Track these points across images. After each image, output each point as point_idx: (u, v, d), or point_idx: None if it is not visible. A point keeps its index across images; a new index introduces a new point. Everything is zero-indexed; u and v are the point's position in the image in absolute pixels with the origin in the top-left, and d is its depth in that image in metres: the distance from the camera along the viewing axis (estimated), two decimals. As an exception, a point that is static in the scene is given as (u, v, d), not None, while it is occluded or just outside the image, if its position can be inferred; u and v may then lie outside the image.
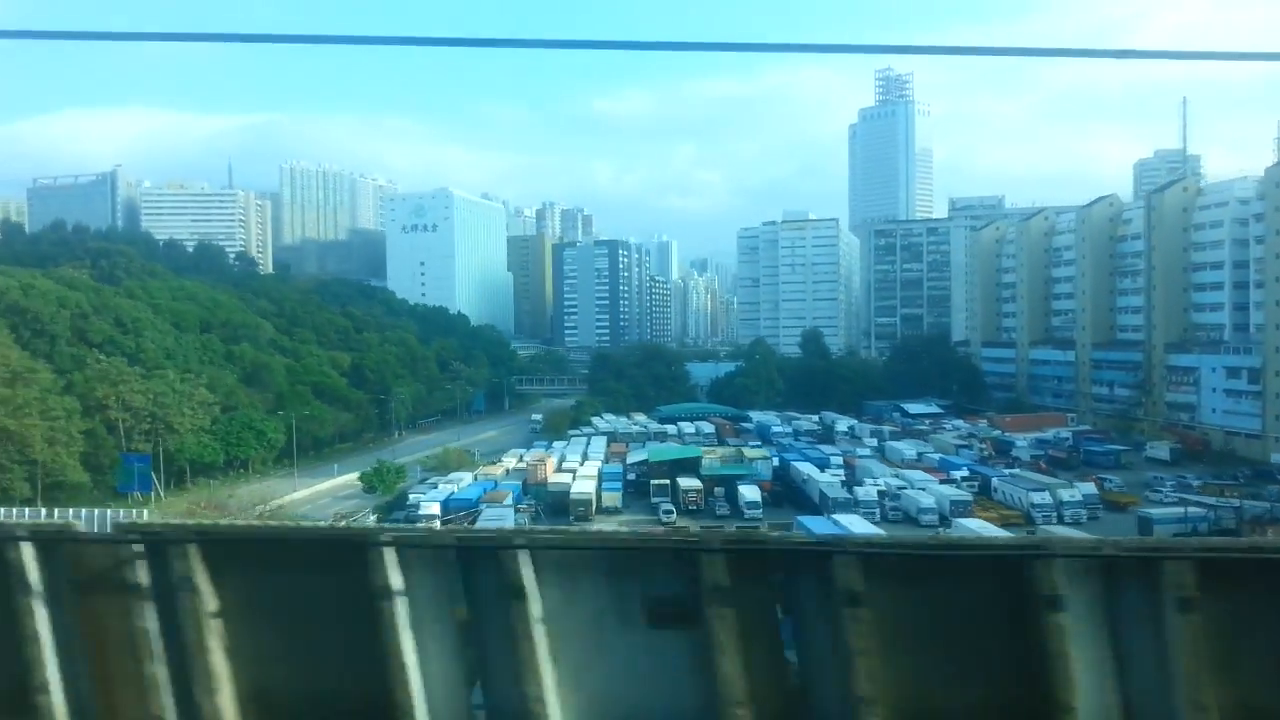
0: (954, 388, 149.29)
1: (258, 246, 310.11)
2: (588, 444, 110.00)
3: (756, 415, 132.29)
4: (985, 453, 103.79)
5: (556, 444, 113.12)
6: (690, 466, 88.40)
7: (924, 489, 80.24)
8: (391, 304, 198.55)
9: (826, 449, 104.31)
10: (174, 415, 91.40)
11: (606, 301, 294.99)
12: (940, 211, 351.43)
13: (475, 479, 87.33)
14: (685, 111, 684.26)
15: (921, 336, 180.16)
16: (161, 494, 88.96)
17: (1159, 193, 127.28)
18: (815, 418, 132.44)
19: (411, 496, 79.84)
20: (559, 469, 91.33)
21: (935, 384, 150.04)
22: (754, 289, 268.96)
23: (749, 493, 79.34)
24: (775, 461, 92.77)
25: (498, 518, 64.77)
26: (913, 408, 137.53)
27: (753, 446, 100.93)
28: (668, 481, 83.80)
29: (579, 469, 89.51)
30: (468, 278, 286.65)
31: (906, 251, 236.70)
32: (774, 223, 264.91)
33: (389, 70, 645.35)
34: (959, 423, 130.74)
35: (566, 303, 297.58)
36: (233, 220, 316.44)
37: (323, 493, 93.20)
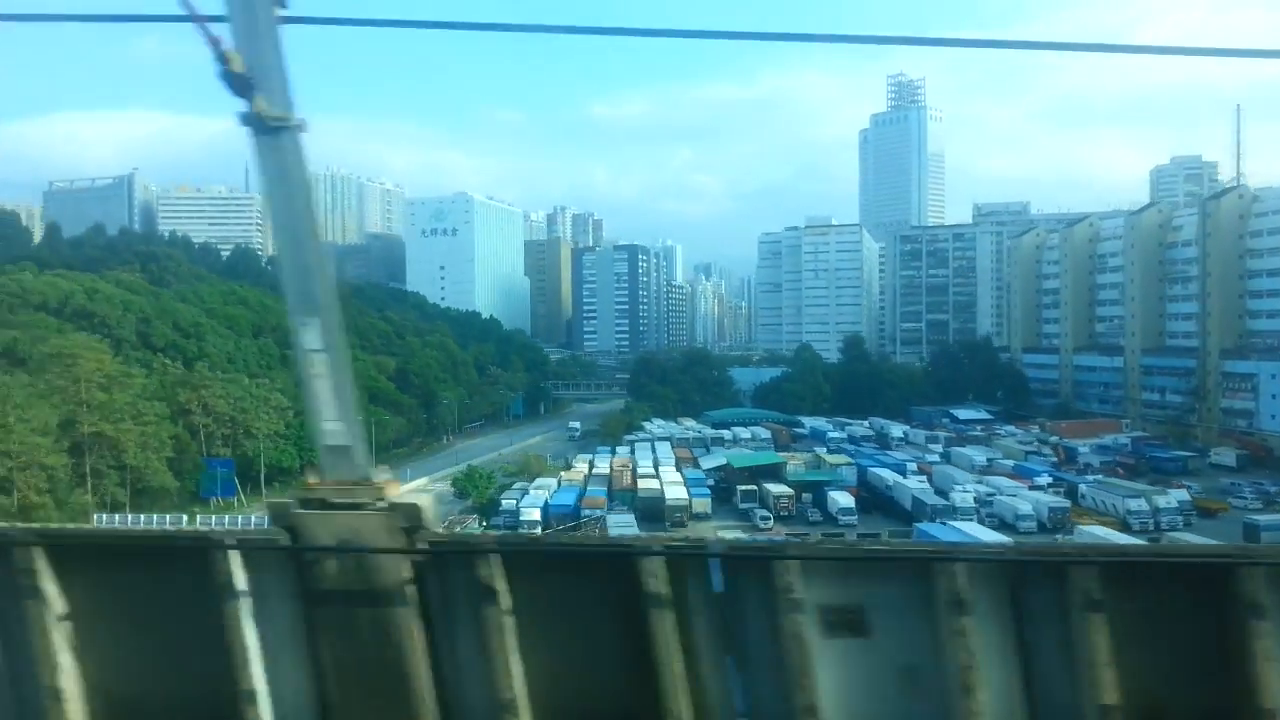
0: (999, 393, 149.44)
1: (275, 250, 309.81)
2: (653, 449, 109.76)
3: (808, 420, 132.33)
4: (1058, 459, 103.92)
5: (620, 449, 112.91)
6: (772, 472, 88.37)
7: (1014, 495, 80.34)
8: (424, 308, 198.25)
9: (898, 455, 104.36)
10: (252, 420, 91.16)
11: (626, 306, 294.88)
12: (953, 216, 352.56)
13: (559, 484, 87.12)
14: (683, 116, 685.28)
15: (964, 342, 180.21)
16: (244, 499, 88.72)
17: (1214, 199, 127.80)
18: (865, 423, 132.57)
19: (505, 502, 79.48)
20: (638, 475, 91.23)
21: (979, 390, 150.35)
22: (775, 294, 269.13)
23: (841, 499, 79.37)
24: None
25: (623, 524, 64.48)
26: (962, 413, 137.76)
27: (832, 452, 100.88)
28: (754, 487, 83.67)
29: (662, 474, 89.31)
30: (487, 282, 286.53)
31: (932, 257, 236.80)
32: (796, 228, 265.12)
33: (388, 74, 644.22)
34: (1010, 428, 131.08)
35: (586, 307, 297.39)
36: (249, 224, 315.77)
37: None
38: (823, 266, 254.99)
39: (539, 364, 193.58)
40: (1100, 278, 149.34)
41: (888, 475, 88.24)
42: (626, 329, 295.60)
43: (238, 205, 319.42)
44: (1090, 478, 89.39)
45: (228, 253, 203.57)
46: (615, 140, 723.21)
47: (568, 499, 78.60)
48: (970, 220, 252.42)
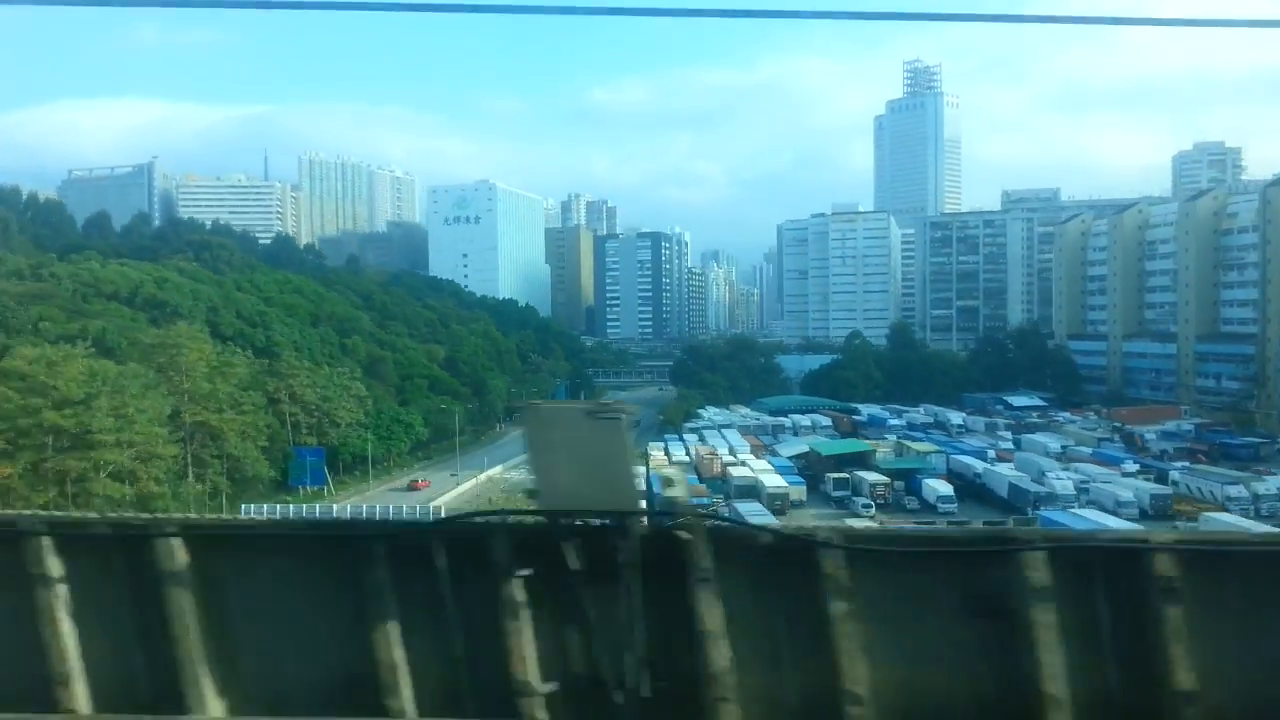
0: (1048, 380, 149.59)
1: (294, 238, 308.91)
2: (723, 437, 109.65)
3: (864, 408, 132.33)
4: (1134, 446, 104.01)
5: (687, 436, 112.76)
6: (858, 460, 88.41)
7: (1108, 482, 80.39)
8: (461, 296, 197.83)
9: (973, 442, 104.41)
10: (335, 408, 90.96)
11: (650, 293, 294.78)
12: (969, 202, 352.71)
13: (648, 473, 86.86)
14: (684, 102, 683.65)
15: (1011, 329, 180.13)
16: (332, 488, 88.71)
17: (1275, 186, 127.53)
18: (920, 410, 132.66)
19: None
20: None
21: (1028, 376, 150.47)
22: (801, 281, 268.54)
23: (940, 487, 79.36)
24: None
25: (756, 513, 64.35)
26: (1015, 400, 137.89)
27: (919, 440, 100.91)
28: (846, 475, 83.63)
29: (750, 462, 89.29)
30: (510, 269, 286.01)
31: (962, 243, 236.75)
32: (823, 214, 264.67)
33: (386, 60, 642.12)
34: (1065, 415, 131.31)
35: (609, 294, 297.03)
36: (270, 212, 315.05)
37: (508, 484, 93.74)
38: (850, 253, 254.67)
39: (576, 351, 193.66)
40: (1150, 264, 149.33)
41: (974, 463, 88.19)
42: (650, 316, 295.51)
43: (257, 193, 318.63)
44: (1179, 464, 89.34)
45: (268, 241, 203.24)
46: (615, 127, 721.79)
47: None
48: (999, 207, 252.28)
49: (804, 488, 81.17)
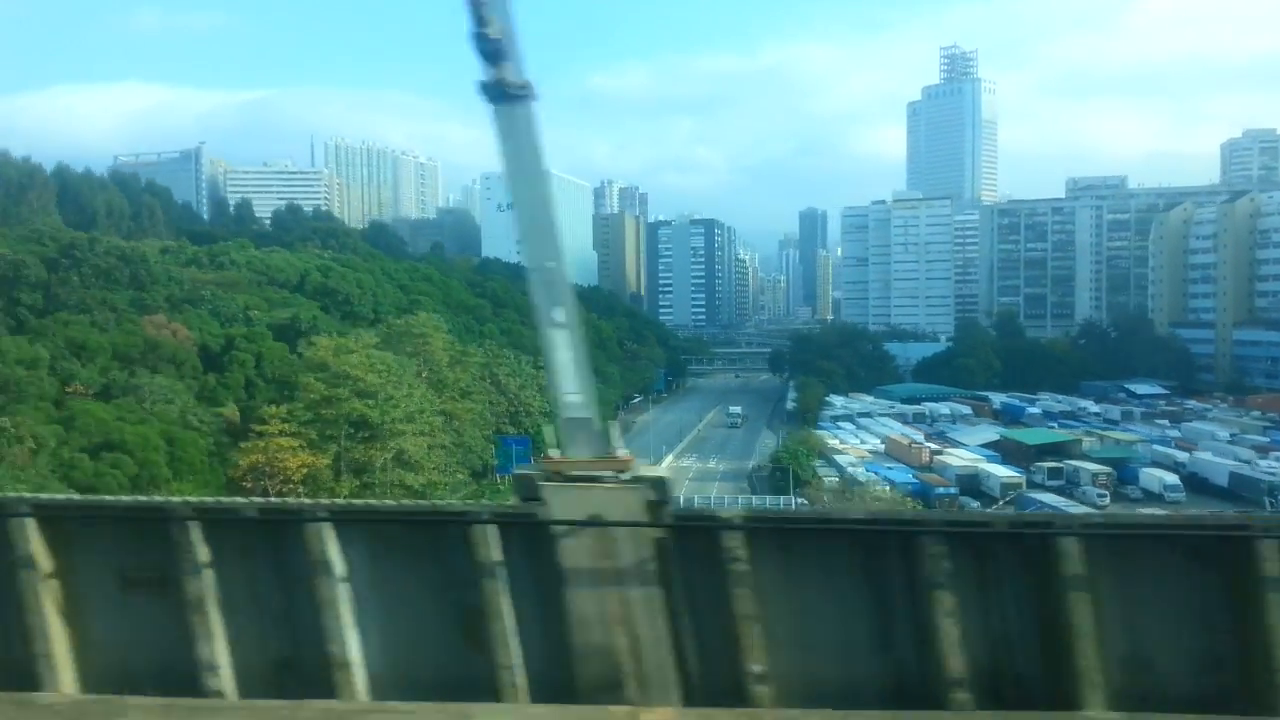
0: (1160, 368, 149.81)
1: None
2: (869, 425, 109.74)
3: (993, 396, 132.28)
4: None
5: (838, 426, 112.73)
6: (1059, 450, 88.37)
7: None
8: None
9: (1143, 429, 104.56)
10: (530, 397, 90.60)
11: (703, 280, 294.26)
12: (1006, 186, 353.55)
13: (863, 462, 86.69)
14: (684, 88, 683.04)
15: (1118, 317, 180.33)
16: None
17: None
18: (1048, 398, 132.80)
19: (829, 479, 79.20)
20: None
21: (1139, 365, 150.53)
22: (861, 268, 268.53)
23: (1167, 476, 79.51)
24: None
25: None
26: (1138, 388, 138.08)
27: (1119, 430, 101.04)
28: (1059, 464, 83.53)
29: (956, 450, 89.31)
30: (565, 257, 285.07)
31: (1030, 230, 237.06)
32: (883, 201, 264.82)
33: (385, 44, 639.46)
34: (1192, 403, 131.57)
35: (662, 281, 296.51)
36: (318, 198, 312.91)
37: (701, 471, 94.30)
38: (912, 240, 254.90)
39: (664, 339, 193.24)
40: (1262, 253, 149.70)
41: (1174, 452, 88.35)
42: (703, 303, 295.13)
43: (304, 179, 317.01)
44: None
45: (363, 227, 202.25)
46: (616, 113, 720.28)
47: (904, 476, 78.15)
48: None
49: (1023, 476, 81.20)
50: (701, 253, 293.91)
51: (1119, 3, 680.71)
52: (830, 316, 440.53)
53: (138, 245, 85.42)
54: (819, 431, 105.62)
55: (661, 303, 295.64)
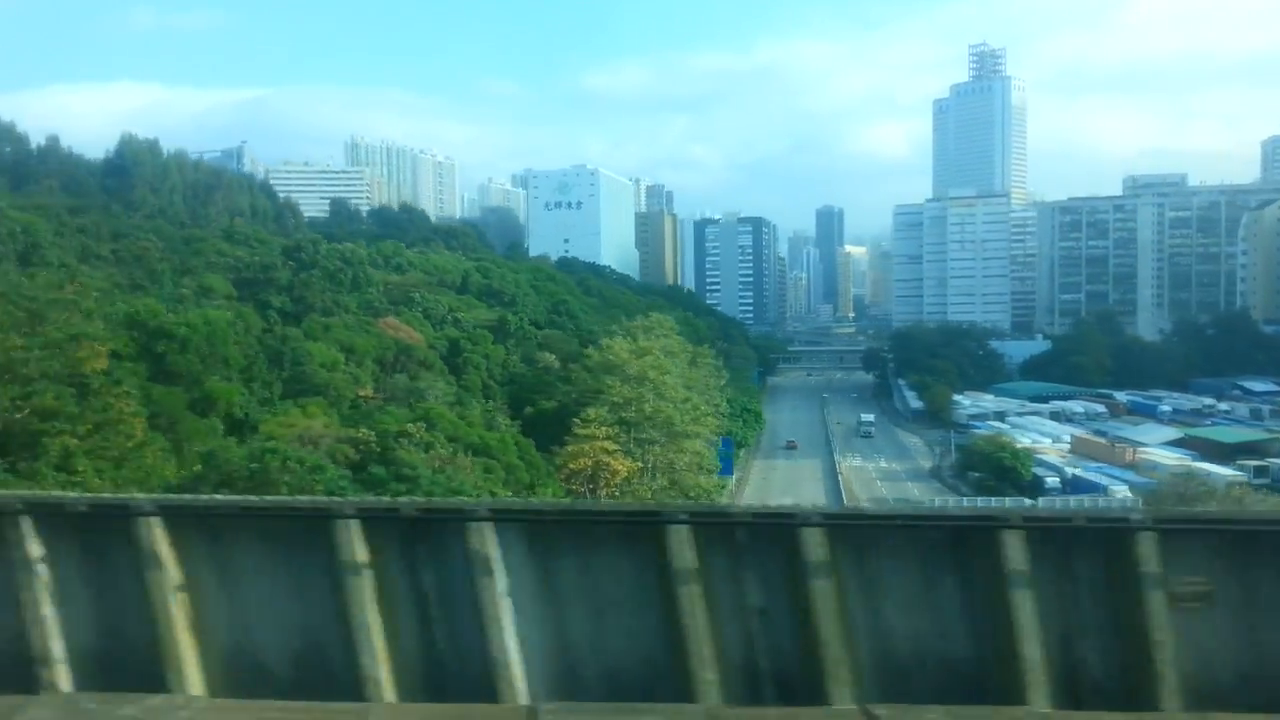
0: (1267, 365, 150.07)
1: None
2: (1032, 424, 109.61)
3: (1120, 394, 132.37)
4: None
5: (985, 425, 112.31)
6: (1252, 449, 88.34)
7: None
8: (628, 282, 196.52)
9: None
10: (718, 399, 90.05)
11: (750, 278, 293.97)
12: (1035, 186, 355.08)
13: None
14: (680, 86, 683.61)
15: (1216, 314, 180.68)
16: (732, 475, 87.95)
17: None
18: (1175, 395, 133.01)
19: (1049, 480, 78.92)
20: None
21: (1245, 362, 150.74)
22: (915, 265, 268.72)
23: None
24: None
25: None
26: (1254, 385, 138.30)
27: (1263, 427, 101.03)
28: (1263, 463, 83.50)
29: (1153, 450, 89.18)
30: (611, 256, 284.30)
31: (1092, 228, 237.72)
32: (938, 199, 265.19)
33: (382, 42, 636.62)
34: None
35: (709, 279, 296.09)
36: (360, 196, 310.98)
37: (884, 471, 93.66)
38: (969, 238, 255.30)
39: (745, 337, 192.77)
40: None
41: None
42: (751, 300, 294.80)
43: (347, 178, 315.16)
44: None
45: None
46: (611, 111, 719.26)
47: (1101, 482, 77.57)
48: (1121, 192, 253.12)
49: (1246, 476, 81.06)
50: (749, 251, 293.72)
51: (1106, 5, 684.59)
52: (852, 314, 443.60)
53: (355, 247, 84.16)
54: (994, 430, 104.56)
55: (710, 300, 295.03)
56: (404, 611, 6.72)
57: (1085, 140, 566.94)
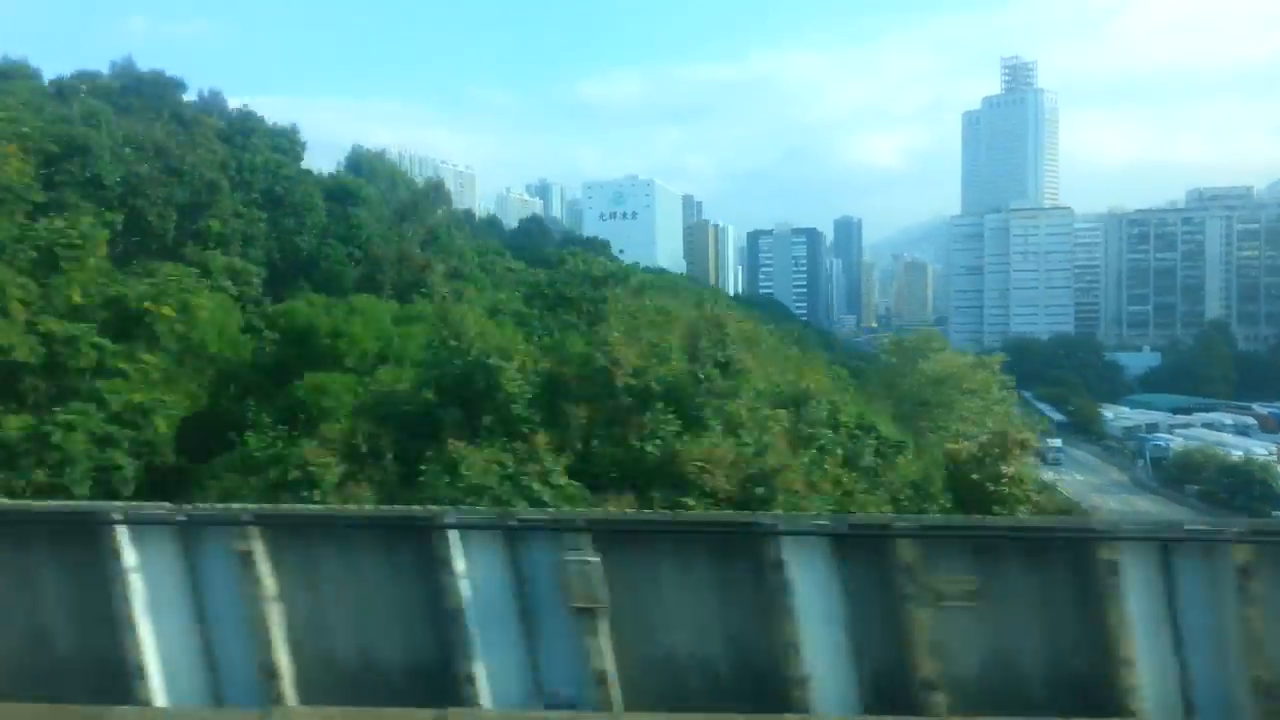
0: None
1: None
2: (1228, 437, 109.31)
3: (1262, 407, 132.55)
4: None
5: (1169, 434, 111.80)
6: None
7: None
8: (716, 294, 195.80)
9: None
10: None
11: (805, 289, 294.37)
12: (1066, 199, 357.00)
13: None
14: (672, 96, 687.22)
15: None
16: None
17: None
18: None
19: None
20: None
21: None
22: (976, 277, 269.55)
23: None
24: None
25: None
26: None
27: None
28: None
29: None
30: (667, 265, 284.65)
31: (1159, 240, 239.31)
32: (999, 211, 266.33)
33: (374, 51, 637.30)
34: None
35: (762, 290, 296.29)
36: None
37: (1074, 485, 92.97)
38: (1031, 249, 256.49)
39: (831, 347, 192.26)
40: None
41: None
42: (806, 311, 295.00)
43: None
44: None
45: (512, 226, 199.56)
46: (603, 120, 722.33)
47: None
48: (1183, 203, 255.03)
49: None
50: (804, 262, 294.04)
51: (1107, 12, 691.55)
52: (874, 324, 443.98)
53: (603, 260, 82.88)
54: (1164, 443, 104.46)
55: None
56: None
57: (1123, 152, 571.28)
